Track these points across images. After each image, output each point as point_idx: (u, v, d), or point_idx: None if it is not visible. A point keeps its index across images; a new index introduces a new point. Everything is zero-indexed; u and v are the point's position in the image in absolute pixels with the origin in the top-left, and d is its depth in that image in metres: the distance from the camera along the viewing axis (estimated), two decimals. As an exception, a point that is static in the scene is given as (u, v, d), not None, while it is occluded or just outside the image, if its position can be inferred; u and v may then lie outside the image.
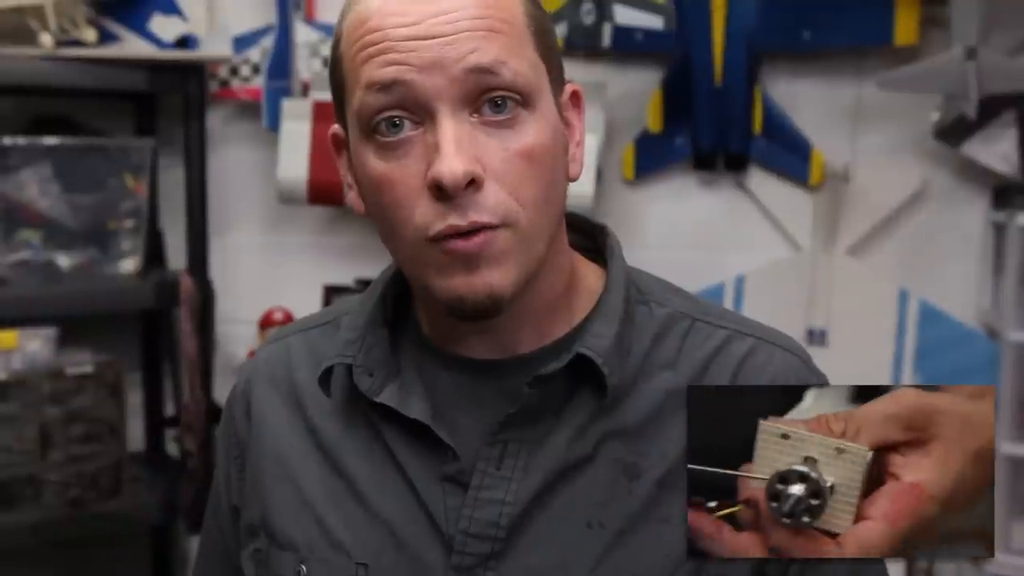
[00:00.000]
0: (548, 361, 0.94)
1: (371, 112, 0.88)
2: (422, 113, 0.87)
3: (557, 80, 0.94)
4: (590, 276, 1.01)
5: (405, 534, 0.95)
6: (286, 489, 1.01)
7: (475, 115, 0.87)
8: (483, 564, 0.92)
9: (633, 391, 0.95)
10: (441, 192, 0.85)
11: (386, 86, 0.87)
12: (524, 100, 0.88)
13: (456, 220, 0.86)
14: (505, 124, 0.88)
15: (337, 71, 0.93)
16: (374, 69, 0.87)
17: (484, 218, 0.86)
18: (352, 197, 0.97)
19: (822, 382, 1.01)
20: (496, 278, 0.88)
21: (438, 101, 0.86)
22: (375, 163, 0.89)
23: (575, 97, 0.97)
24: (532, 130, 0.89)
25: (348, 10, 0.92)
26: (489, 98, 0.87)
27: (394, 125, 0.88)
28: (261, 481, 1.04)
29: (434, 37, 0.86)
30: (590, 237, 1.05)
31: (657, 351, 0.98)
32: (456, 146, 0.85)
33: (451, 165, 0.84)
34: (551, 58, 0.93)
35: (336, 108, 0.96)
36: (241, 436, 1.07)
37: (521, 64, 0.88)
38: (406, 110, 0.87)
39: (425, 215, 0.87)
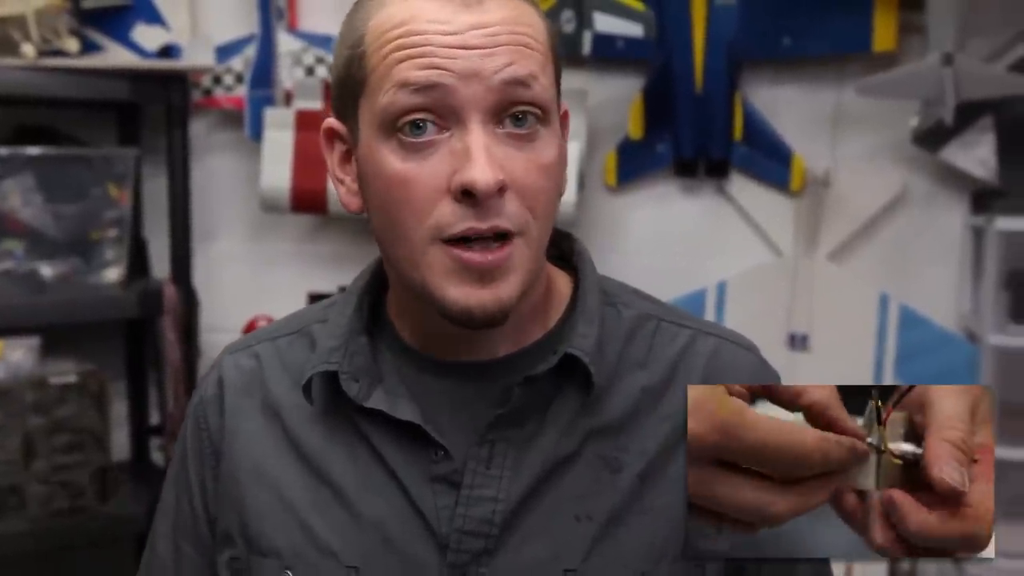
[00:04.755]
0: (529, 362, 0.97)
1: (400, 111, 0.90)
2: (452, 119, 0.90)
3: (559, 99, 0.98)
4: (560, 281, 1.05)
5: (396, 535, 0.96)
6: (265, 496, 1.02)
7: (499, 128, 0.90)
8: (476, 561, 0.95)
9: (610, 389, 0.99)
10: (468, 197, 0.88)
11: (423, 88, 0.89)
12: (543, 116, 0.92)
13: (477, 223, 0.89)
14: (526, 138, 0.91)
15: (356, 68, 0.93)
16: (411, 70, 0.89)
17: (504, 224, 0.90)
18: (343, 193, 0.99)
19: (776, 378, 1.05)
20: (506, 291, 0.91)
21: (471, 109, 0.89)
22: (393, 161, 0.91)
23: (564, 117, 1.00)
24: (548, 145, 0.93)
25: (371, 11, 0.93)
26: (512, 112, 0.90)
27: (417, 127, 0.90)
28: (237, 489, 1.04)
29: (474, 48, 0.89)
30: (555, 244, 1.07)
31: (629, 351, 1.01)
32: (487, 154, 0.88)
33: (484, 172, 0.88)
34: (559, 78, 0.97)
35: (341, 103, 0.97)
36: (216, 443, 1.07)
37: (547, 81, 0.92)
38: (435, 114, 0.90)
39: (443, 216, 0.90)
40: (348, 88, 0.95)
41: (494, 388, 0.97)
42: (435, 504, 0.96)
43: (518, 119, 0.91)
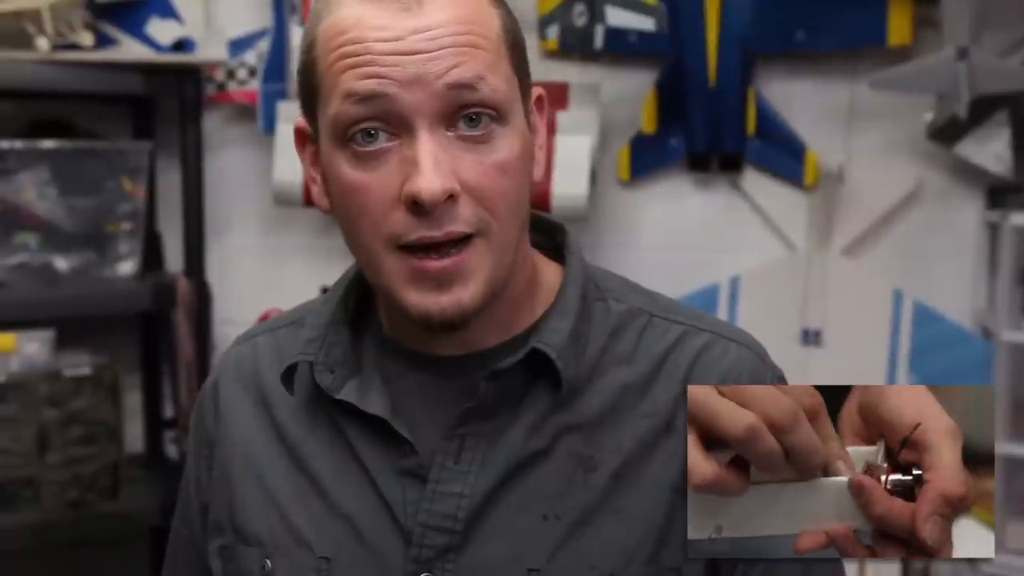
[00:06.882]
0: (506, 356, 0.96)
1: (348, 122, 0.89)
2: (400, 127, 0.89)
3: (526, 89, 0.96)
4: (549, 273, 1.03)
5: (366, 528, 0.97)
6: (252, 486, 1.03)
7: (451, 130, 0.89)
8: (442, 556, 0.94)
9: (589, 385, 0.97)
10: (417, 206, 0.87)
11: (366, 98, 0.88)
12: (498, 116, 0.90)
13: (430, 231, 0.88)
14: (480, 139, 0.90)
15: (310, 74, 0.93)
16: (354, 80, 0.88)
17: (459, 228, 0.89)
18: (316, 192, 0.99)
19: (778, 377, 1.02)
20: (466, 295, 0.90)
21: (417, 116, 0.88)
22: (348, 171, 0.91)
23: (539, 102, 0.99)
24: (505, 145, 0.91)
25: (322, 15, 0.92)
26: (464, 114, 0.89)
27: (369, 135, 0.89)
28: (228, 478, 1.05)
29: (416, 53, 0.87)
30: (549, 235, 1.07)
31: (614, 346, 0.99)
32: (434, 162, 0.87)
33: (430, 182, 0.86)
34: (523, 69, 0.95)
35: (304, 107, 0.97)
36: (210, 434, 1.09)
37: (498, 80, 0.90)
38: (384, 122, 0.89)
39: (397, 224, 0.89)
40: (307, 93, 0.95)
41: (470, 382, 0.96)
42: (403, 498, 0.96)
43: (471, 120, 0.89)
